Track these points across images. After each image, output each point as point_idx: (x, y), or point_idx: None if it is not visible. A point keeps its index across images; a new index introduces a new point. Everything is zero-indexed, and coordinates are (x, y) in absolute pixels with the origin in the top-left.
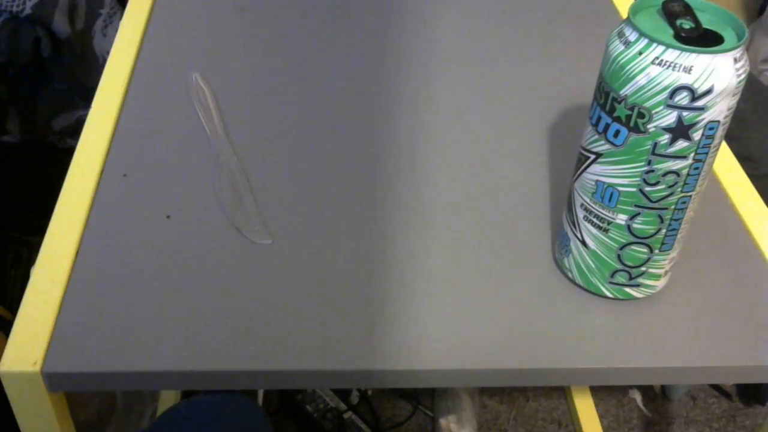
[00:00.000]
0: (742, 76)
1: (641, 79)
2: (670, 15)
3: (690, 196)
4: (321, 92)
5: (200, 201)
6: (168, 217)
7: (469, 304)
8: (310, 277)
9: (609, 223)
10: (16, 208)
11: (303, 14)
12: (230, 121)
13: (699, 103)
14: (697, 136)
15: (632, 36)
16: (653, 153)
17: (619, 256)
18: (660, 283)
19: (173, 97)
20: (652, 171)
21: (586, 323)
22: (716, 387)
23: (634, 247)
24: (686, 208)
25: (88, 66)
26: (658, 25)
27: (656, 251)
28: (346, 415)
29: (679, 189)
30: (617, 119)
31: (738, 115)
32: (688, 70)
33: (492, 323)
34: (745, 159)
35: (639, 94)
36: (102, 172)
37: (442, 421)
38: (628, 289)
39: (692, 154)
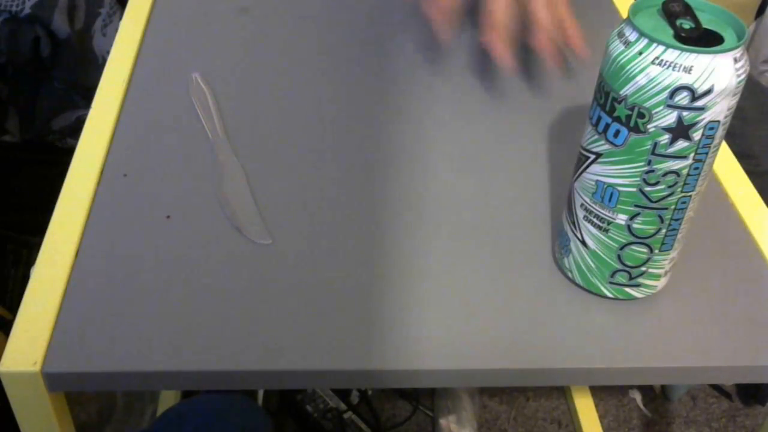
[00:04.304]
0: (742, 76)
1: (641, 79)
2: (670, 15)
3: (690, 196)
4: (321, 93)
5: (200, 201)
6: (168, 217)
7: (469, 304)
8: (310, 277)
9: (609, 223)
10: (16, 208)
11: (303, 15)
12: (230, 121)
13: (699, 103)
14: (697, 136)
15: (632, 36)
16: (653, 153)
17: (619, 256)
18: (660, 283)
19: (173, 97)
20: (652, 171)
21: (586, 323)
22: (716, 387)
23: (634, 247)
24: (686, 208)
25: (88, 66)
26: (658, 25)
27: (656, 251)
28: (346, 415)
29: (679, 189)
30: (617, 119)
31: (738, 113)
32: (688, 70)
33: (492, 323)
34: (745, 156)
35: (639, 94)
36: (102, 172)
37: (442, 421)
38: (628, 289)
39: (692, 154)
